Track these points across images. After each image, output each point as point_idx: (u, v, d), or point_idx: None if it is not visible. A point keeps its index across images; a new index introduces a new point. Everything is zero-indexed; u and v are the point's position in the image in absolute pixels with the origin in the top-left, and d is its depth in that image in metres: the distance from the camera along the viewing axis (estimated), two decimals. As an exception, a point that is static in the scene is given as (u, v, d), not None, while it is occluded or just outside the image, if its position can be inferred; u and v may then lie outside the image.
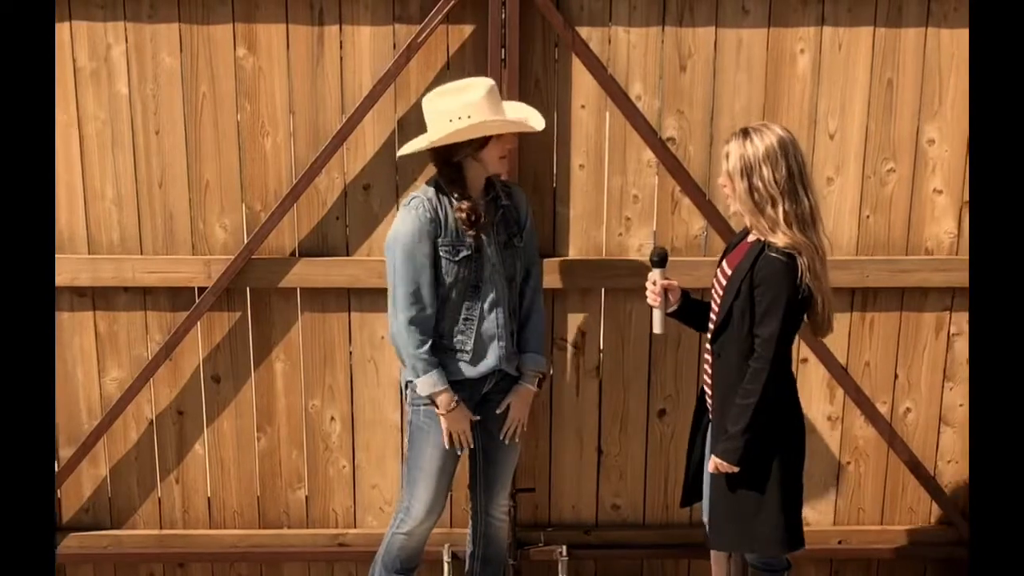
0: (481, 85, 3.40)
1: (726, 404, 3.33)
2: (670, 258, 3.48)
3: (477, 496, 3.79)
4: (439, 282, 3.45)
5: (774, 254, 3.20)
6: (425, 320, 3.45)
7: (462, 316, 3.51)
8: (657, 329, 3.51)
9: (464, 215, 3.40)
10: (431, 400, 3.50)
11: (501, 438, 3.66)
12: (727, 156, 3.25)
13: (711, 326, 3.41)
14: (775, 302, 3.21)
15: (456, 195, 3.45)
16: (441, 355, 3.52)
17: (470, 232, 3.42)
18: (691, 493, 3.66)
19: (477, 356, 3.54)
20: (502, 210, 3.53)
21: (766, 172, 3.17)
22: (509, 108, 3.54)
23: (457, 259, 3.44)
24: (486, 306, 3.50)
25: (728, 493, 3.37)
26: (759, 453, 3.30)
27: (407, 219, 3.44)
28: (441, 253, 3.43)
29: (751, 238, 3.34)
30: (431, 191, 3.47)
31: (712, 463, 3.34)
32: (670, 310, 3.51)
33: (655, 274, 3.46)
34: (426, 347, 3.46)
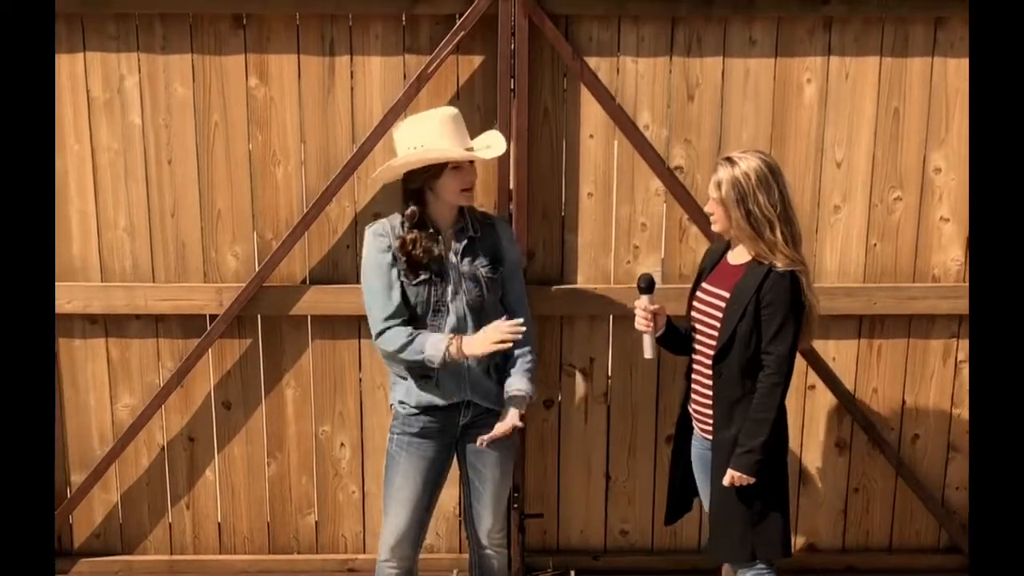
0: (439, 114, 3.41)
1: (731, 420, 3.37)
2: (674, 286, 3.47)
3: (468, 528, 3.77)
4: (407, 299, 3.44)
5: (781, 274, 3.25)
6: (401, 319, 3.43)
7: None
8: (648, 354, 3.52)
9: (403, 251, 3.40)
10: (445, 360, 3.38)
11: (477, 444, 3.56)
12: (718, 185, 3.29)
13: (704, 348, 3.42)
14: (787, 320, 3.27)
15: (416, 224, 3.43)
16: (409, 376, 3.50)
17: (421, 260, 3.41)
18: (676, 510, 3.70)
19: (441, 380, 3.49)
20: (467, 241, 3.49)
21: (761, 197, 3.23)
22: (479, 138, 3.51)
23: (415, 283, 3.43)
24: (448, 331, 3.46)
25: (738, 504, 3.40)
26: (770, 465, 3.36)
27: (369, 244, 3.47)
28: (400, 276, 3.43)
29: (736, 260, 3.39)
30: (397, 218, 3.49)
31: (729, 477, 3.36)
32: (658, 334, 3.54)
33: (643, 300, 3.48)
34: (408, 332, 3.40)
